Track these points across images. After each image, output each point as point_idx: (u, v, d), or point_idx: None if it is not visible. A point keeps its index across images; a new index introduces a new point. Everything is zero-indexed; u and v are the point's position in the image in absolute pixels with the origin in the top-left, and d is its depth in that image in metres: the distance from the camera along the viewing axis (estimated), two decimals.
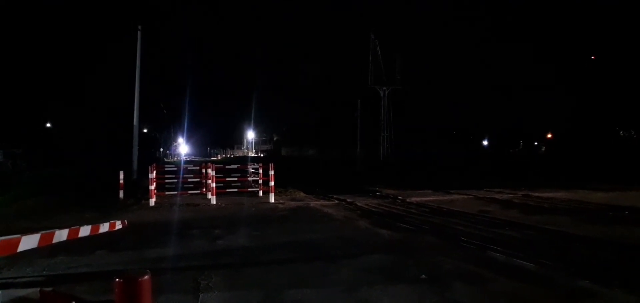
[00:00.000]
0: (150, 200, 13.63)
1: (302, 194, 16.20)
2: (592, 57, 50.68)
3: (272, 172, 14.45)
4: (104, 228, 8.26)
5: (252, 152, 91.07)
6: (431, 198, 14.73)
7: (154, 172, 14.15)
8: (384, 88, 51.57)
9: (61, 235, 6.85)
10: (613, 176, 21.42)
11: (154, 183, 14.02)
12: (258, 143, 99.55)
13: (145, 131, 41.71)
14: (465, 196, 15.22)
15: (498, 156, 53.32)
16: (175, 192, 15.66)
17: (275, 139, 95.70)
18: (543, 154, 61.37)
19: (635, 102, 48.23)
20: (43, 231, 6.70)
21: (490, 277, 5.99)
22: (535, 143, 70.02)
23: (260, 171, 16.11)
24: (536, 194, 15.31)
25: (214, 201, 13.89)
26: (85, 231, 7.41)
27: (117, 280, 2.43)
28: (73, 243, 7.00)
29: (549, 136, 63.34)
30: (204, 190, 15.86)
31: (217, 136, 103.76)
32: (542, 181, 19.72)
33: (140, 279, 2.46)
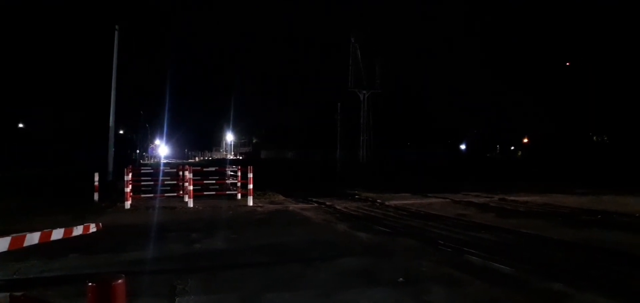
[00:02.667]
0: (125, 202, 13.42)
1: (281, 197, 16.14)
2: (567, 64, 51.84)
3: (250, 175, 14.37)
4: (78, 231, 8.11)
5: (231, 154, 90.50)
6: (409, 202, 14.83)
7: (130, 174, 13.94)
8: (364, 92, 51.84)
9: (33, 238, 6.70)
10: (587, 181, 21.87)
11: (130, 186, 13.81)
12: (237, 145, 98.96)
13: (121, 132, 41.07)
14: (443, 200, 15.37)
15: (475, 160, 54.12)
16: (152, 195, 15.44)
17: (254, 141, 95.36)
18: (519, 158, 62.52)
19: (607, 109, 49.58)
20: (14, 234, 6.54)
21: (467, 280, 6.05)
22: (512, 148, 71.26)
23: (239, 173, 16.00)
24: (512, 198, 15.54)
25: (191, 204, 13.75)
26: (58, 234, 7.27)
27: (90, 284, 2.38)
28: (45, 246, 6.85)
29: (525, 140, 64.51)
30: (181, 192, 15.68)
31: (195, 138, 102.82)
32: (518, 185, 20.03)
33: (114, 283, 2.40)
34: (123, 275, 2.41)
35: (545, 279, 6.01)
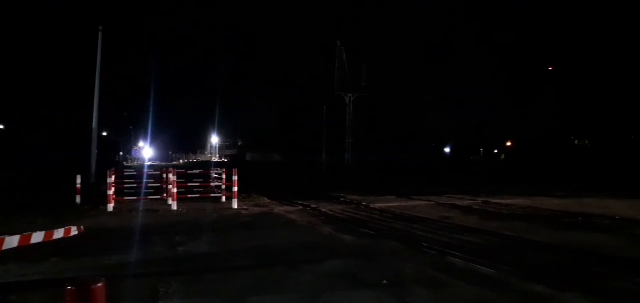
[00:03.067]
0: (108, 205, 13.27)
1: (266, 199, 16.09)
2: (550, 68, 52.64)
3: (235, 177, 14.31)
4: (59, 234, 7.99)
5: (216, 157, 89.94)
6: (394, 204, 14.89)
7: (113, 176, 13.80)
8: (350, 94, 52.04)
9: (12, 241, 6.59)
10: (568, 184, 22.20)
11: (113, 188, 13.66)
12: (222, 148, 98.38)
13: (104, 134, 40.56)
14: (427, 202, 15.47)
15: (459, 162, 54.67)
16: (135, 197, 15.29)
17: (239, 143, 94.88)
18: (502, 161, 63.19)
19: (589, 113, 50.44)
20: None
21: (450, 282, 6.09)
22: (495, 151, 72.07)
23: (224, 176, 15.92)
24: (495, 200, 15.70)
25: (174, 207, 13.64)
26: (38, 237, 7.16)
27: (69, 287, 2.35)
28: (25, 249, 6.74)
29: (508, 144, 65.23)
30: (165, 195, 15.54)
31: (180, 140, 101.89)
32: (501, 188, 20.25)
33: (93, 286, 2.38)
34: (103, 278, 2.38)
35: (527, 280, 6.07)
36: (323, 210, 13.55)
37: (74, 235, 8.58)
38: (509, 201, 15.52)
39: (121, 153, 55.10)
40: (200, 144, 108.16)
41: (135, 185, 16.16)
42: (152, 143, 74.51)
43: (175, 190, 13.99)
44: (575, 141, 55.76)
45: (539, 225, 10.80)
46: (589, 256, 7.48)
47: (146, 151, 72.18)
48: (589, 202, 15.13)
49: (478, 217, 12.11)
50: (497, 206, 14.40)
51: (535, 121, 53.82)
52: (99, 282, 2.40)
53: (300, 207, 14.30)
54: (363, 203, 15.21)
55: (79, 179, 14.71)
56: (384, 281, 6.07)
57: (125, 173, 18.88)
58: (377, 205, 14.51)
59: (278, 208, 13.98)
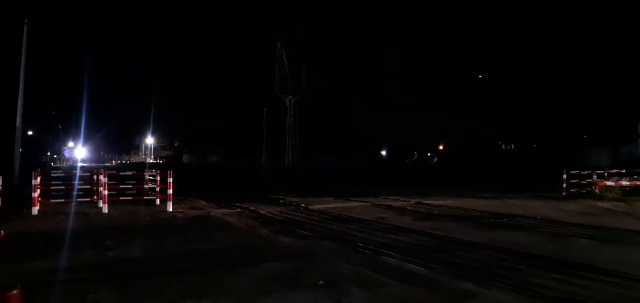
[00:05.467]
0: (33, 208, 12.53)
1: (203, 202, 15.77)
2: (480, 76, 55.33)
3: (170, 179, 13.94)
4: None
5: (151, 158, 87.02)
6: (332, 206, 15.08)
7: (39, 178, 13.04)
8: (290, 97, 52.15)
9: None
10: (495, 185, 23.34)
11: (38, 190, 12.91)
12: (158, 149, 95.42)
13: (30, 133, 38.20)
14: (364, 204, 15.78)
15: (395, 165, 56.23)
16: (63, 200, 14.52)
17: (176, 145, 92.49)
18: (435, 164, 65.66)
19: (514, 120, 53.51)
20: None
21: (384, 281, 6.26)
22: (428, 154, 74.72)
23: (158, 178, 15.45)
24: (428, 201, 16.26)
25: (105, 210, 13.09)
26: None
27: None
28: None
29: (441, 147, 67.78)
30: (96, 198, 14.88)
31: (114, 141, 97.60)
32: (433, 190, 20.99)
33: (7, 294, 2.25)
34: (19, 285, 2.27)
35: (457, 279, 6.35)
36: (262, 212, 13.49)
37: None
38: (440, 202, 16.12)
39: (49, 154, 52.12)
40: (135, 145, 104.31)
41: (63, 187, 15.36)
42: (85, 143, 71.04)
43: (106, 192, 13.42)
44: (503, 146, 58.83)
45: (468, 225, 11.30)
46: (513, 255, 7.91)
47: (79, 151, 68.79)
48: (514, 203, 16.00)
49: (411, 218, 12.50)
50: (429, 207, 14.92)
51: (465, 126, 56.41)
52: (14, 289, 2.27)
53: (239, 210, 14.16)
54: (302, 204, 15.28)
55: (0, 181, 13.77)
56: (321, 282, 6.14)
57: (52, 175, 17.88)
58: (316, 207, 14.63)
59: (215, 211, 13.75)
